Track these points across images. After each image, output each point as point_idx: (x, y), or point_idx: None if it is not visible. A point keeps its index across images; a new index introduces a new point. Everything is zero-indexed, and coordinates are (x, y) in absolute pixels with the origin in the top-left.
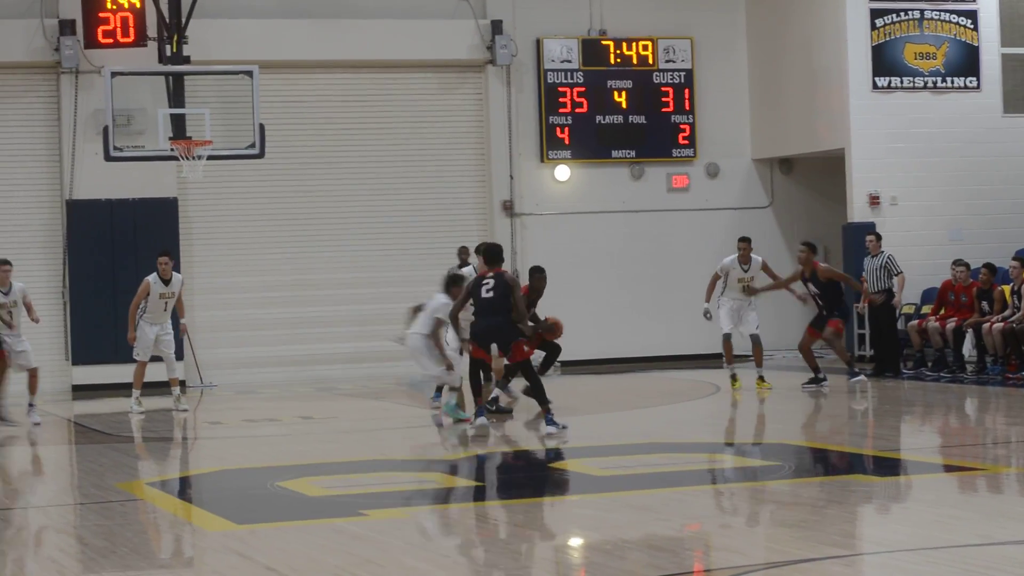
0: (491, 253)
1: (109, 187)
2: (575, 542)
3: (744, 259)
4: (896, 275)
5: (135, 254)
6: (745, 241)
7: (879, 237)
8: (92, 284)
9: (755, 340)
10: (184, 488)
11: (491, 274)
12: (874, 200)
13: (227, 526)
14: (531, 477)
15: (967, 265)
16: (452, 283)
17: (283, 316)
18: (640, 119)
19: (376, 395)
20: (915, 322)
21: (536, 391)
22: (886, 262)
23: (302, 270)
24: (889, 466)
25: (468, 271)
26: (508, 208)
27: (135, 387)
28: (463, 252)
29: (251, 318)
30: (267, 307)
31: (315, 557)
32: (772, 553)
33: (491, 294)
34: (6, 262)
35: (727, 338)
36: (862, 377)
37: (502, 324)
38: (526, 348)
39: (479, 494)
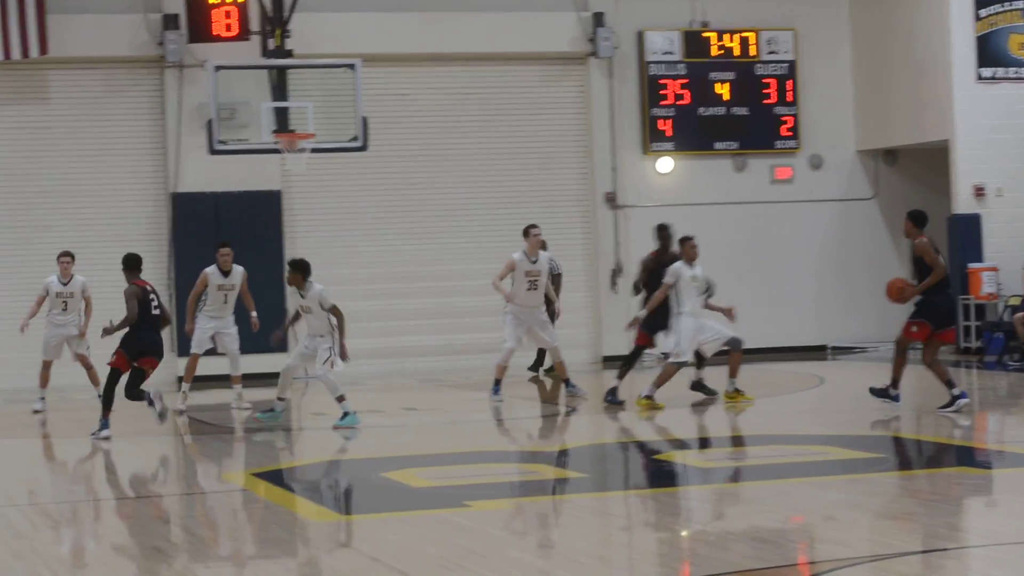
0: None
1: (213, 180)
2: (679, 534)
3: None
4: None
5: (240, 246)
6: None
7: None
8: (197, 276)
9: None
10: (289, 479)
11: None
12: (979, 191)
13: (331, 516)
14: (635, 469)
15: None
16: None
17: (386, 308)
18: (743, 111)
19: (478, 387)
20: (1020, 314)
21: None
22: None
23: (404, 263)
24: (995, 459)
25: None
26: (611, 200)
27: (185, 380)
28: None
29: (354, 310)
30: (370, 299)
31: (418, 548)
32: (877, 546)
33: None
34: (67, 254)
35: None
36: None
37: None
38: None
39: (582, 486)
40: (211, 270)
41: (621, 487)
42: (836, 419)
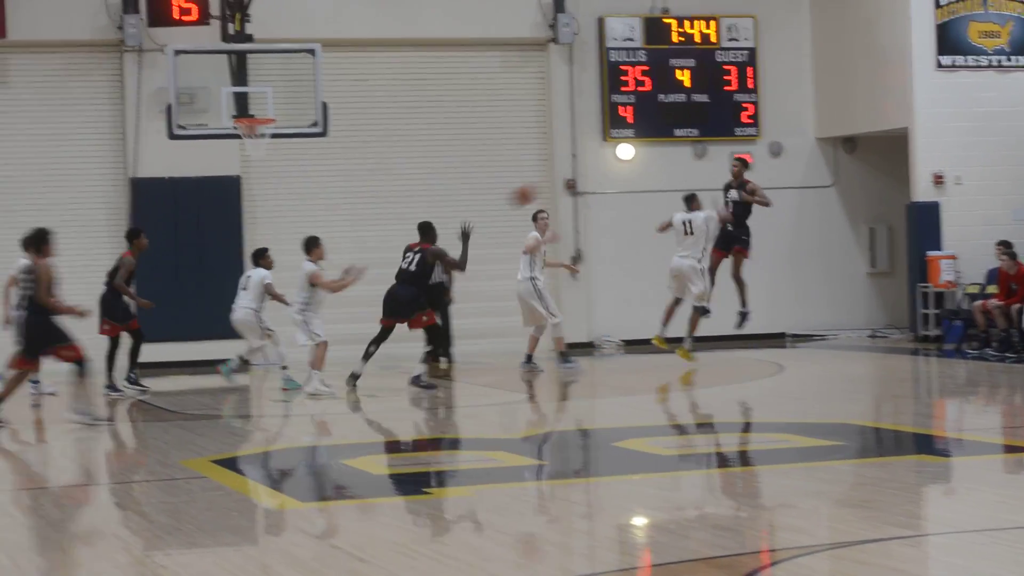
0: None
1: (172, 165)
2: (638, 521)
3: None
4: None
5: (198, 232)
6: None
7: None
8: (156, 261)
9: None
10: (249, 466)
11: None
12: (938, 179)
13: (291, 504)
14: (594, 456)
15: (1012, 254)
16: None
17: (347, 294)
18: (703, 98)
19: (455, 375)
20: (979, 303)
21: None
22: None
23: (364, 249)
24: (954, 447)
25: None
26: (571, 187)
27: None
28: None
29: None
30: None
31: (378, 535)
32: (836, 533)
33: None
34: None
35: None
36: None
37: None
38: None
39: (543, 473)
40: None
41: (581, 474)
42: (795, 407)
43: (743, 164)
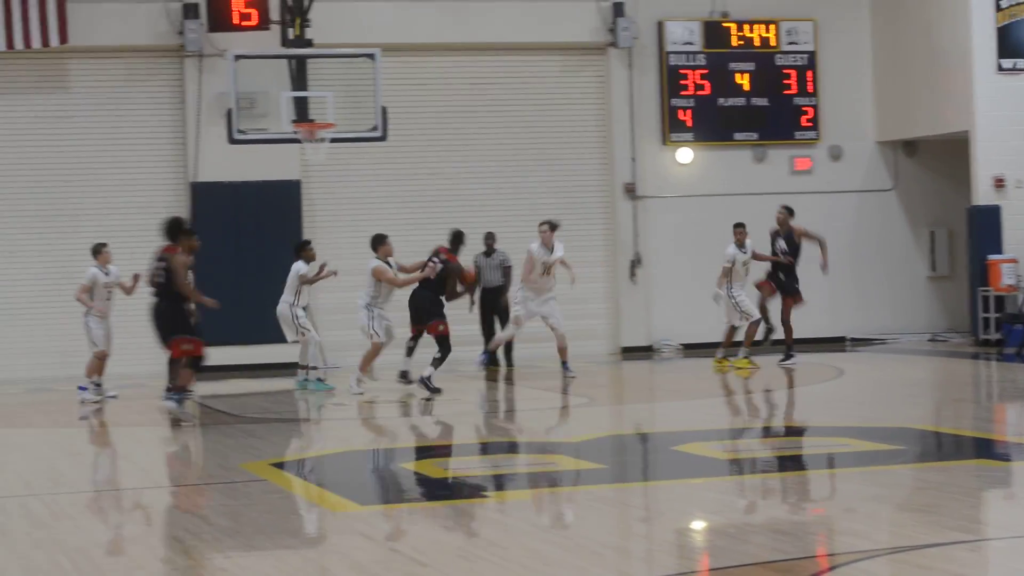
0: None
1: (233, 170)
2: (697, 525)
3: (741, 243)
4: None
5: (258, 236)
6: (740, 226)
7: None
8: (216, 266)
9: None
10: (309, 469)
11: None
12: (999, 183)
13: (351, 507)
14: (654, 459)
15: None
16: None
17: (405, 297)
18: (762, 101)
19: (503, 377)
20: None
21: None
22: None
23: (424, 252)
24: (1014, 451)
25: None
26: (630, 191)
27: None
28: (489, 237)
29: None
30: None
31: (439, 538)
32: (897, 538)
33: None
34: (103, 244)
35: (755, 323)
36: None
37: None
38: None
39: (601, 476)
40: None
41: (640, 478)
42: (855, 411)
43: (788, 212)
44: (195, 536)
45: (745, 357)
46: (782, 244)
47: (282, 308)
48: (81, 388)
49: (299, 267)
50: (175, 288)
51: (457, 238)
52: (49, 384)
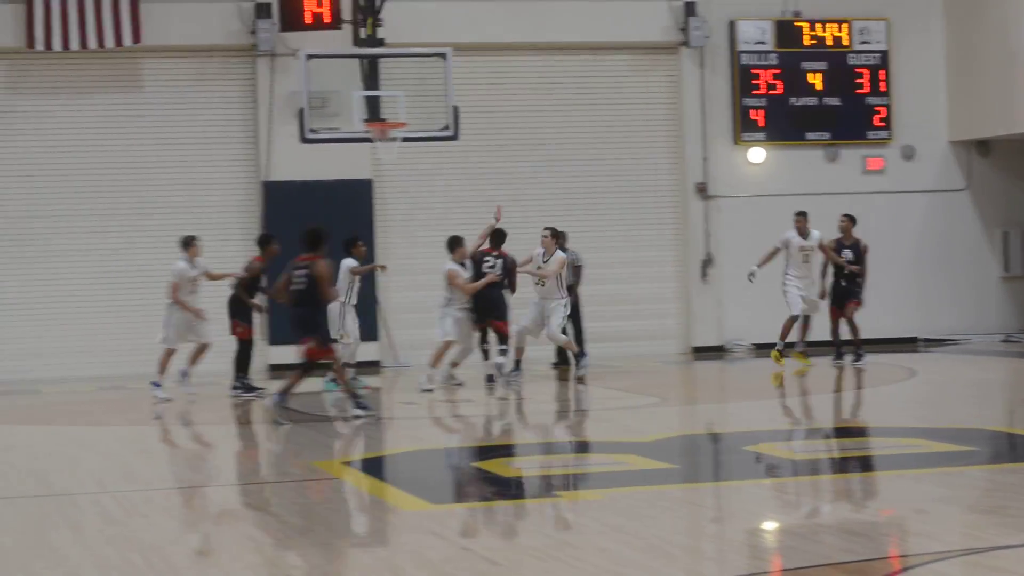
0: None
1: (304, 169)
2: (768, 525)
3: (802, 232)
4: None
5: (331, 235)
6: (801, 215)
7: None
8: (287, 265)
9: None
10: (380, 467)
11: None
12: None
13: (422, 505)
14: (725, 460)
15: None
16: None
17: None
18: (835, 101)
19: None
20: None
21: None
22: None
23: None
24: None
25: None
26: (702, 190)
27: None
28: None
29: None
30: None
31: (510, 537)
32: (968, 539)
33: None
34: (193, 237)
35: (794, 319)
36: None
37: None
38: None
39: (672, 476)
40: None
41: (711, 478)
42: (927, 411)
43: (851, 220)
44: (268, 534)
45: (777, 350)
46: (848, 254)
47: (332, 304)
48: (155, 384)
49: (348, 263)
50: (319, 295)
51: (500, 237)
52: (118, 382)
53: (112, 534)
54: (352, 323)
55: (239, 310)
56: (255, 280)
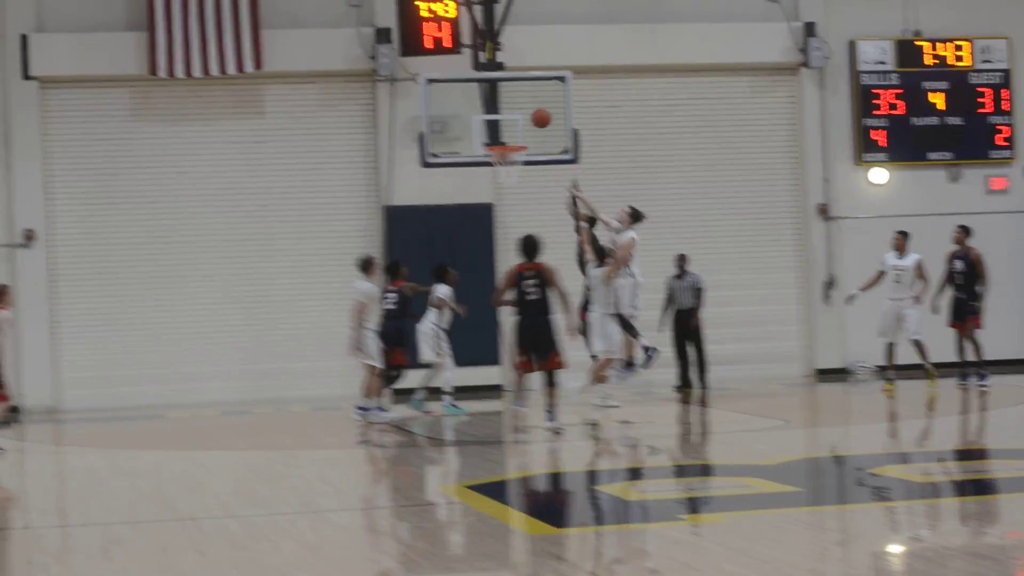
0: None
1: (426, 193)
2: (895, 549)
3: (899, 251)
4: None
5: (452, 260)
6: (901, 234)
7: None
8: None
9: (917, 345)
10: (503, 491)
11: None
12: None
13: (546, 529)
14: (850, 482)
15: None
16: None
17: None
18: (957, 120)
19: (709, 402)
20: None
21: None
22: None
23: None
24: None
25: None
26: (823, 212)
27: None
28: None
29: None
30: None
31: (634, 561)
32: None
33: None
34: (372, 257)
35: (888, 345)
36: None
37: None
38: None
39: (796, 499)
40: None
41: (835, 501)
42: None
43: (964, 231)
44: (393, 559)
45: (887, 380)
46: (958, 264)
47: (426, 327)
48: (361, 409)
49: (441, 290)
50: (553, 301)
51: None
52: (244, 407)
53: (238, 558)
54: (446, 346)
55: (399, 339)
56: (407, 303)
